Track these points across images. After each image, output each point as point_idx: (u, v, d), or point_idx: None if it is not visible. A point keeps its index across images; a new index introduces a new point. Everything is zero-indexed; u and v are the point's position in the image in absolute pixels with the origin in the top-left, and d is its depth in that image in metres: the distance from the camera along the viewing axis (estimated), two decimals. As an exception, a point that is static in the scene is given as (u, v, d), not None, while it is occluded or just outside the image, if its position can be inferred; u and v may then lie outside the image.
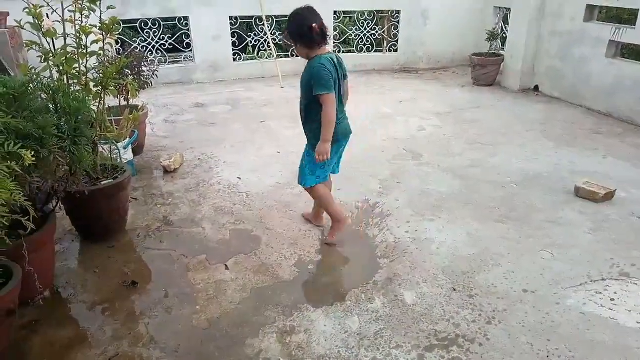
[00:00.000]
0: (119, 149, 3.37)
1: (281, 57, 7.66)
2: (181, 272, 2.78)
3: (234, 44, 7.40)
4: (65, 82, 2.61)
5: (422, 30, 7.77)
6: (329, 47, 2.79)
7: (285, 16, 7.44)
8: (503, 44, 7.13)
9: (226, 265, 2.84)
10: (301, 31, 2.59)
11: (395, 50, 8.05)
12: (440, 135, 4.97)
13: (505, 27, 7.21)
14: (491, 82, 6.84)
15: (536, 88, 6.49)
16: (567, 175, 3.98)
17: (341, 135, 2.85)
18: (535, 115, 5.61)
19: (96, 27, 2.68)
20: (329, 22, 7.51)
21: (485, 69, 6.78)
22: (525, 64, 6.44)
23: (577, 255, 2.89)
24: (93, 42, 2.71)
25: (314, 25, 2.56)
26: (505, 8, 7.24)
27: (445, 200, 3.60)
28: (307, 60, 2.70)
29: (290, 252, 2.98)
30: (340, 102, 2.79)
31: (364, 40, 8.02)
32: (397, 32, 7.90)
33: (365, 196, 3.67)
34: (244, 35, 7.64)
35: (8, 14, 4.84)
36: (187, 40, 7.18)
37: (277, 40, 7.62)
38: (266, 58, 7.63)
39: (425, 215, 3.39)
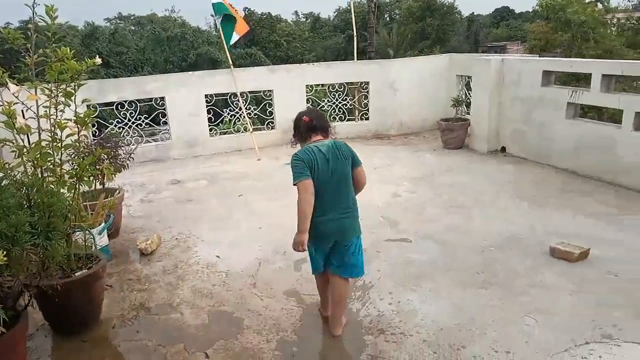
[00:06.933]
0: (93, 237, 3.31)
1: (257, 130, 7.84)
2: (159, 365, 2.67)
3: (209, 119, 7.57)
4: (40, 175, 2.61)
5: (391, 99, 8.11)
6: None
7: (258, 91, 7.89)
8: (468, 107, 7.47)
9: (206, 354, 2.74)
10: (295, 125, 2.77)
11: (367, 118, 8.34)
12: (416, 201, 5.06)
13: (469, 93, 7.59)
14: (460, 145, 7.09)
15: (503, 149, 6.75)
16: (542, 235, 4.05)
17: (320, 234, 2.65)
18: (506, 176, 5.79)
19: (71, 121, 2.72)
20: (301, 94, 7.81)
21: (453, 133, 7.05)
22: (491, 128, 6.73)
23: (559, 320, 2.89)
24: (68, 135, 2.74)
25: (304, 118, 2.71)
26: (467, 76, 7.67)
27: (426, 268, 3.61)
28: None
29: (272, 334, 2.90)
30: (323, 196, 2.58)
31: (336, 110, 8.31)
32: (367, 101, 8.23)
33: (346, 269, 3.64)
34: (220, 111, 7.83)
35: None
36: (164, 119, 7.32)
37: (252, 114, 7.84)
38: (242, 131, 7.80)
39: (407, 285, 3.38)
